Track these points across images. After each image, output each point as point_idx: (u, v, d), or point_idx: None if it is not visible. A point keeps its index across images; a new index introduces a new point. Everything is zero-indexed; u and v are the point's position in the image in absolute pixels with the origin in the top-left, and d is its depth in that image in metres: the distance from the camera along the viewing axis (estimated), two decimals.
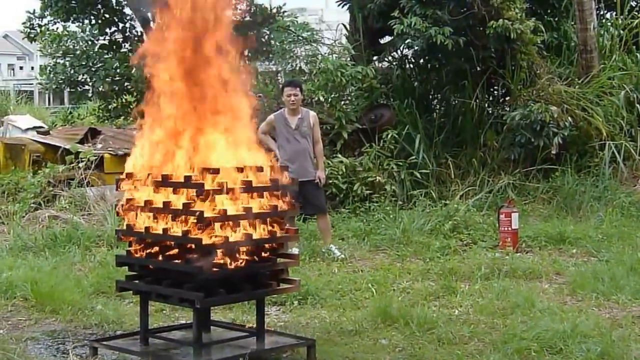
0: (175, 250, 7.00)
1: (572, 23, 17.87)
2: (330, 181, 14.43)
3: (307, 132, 11.83)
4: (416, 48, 16.32)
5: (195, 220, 6.70)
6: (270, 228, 7.11)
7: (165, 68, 7.27)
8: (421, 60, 17.38)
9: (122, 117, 21.01)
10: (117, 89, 20.76)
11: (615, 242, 12.35)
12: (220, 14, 7.30)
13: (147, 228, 7.02)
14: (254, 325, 7.53)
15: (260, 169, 7.12)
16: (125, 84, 20.68)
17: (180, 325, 8.14)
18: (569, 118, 15.59)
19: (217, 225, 6.79)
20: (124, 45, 21.37)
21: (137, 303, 8.63)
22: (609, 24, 18.70)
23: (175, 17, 7.25)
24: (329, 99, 15.99)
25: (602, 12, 19.72)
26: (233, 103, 7.32)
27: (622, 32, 18.09)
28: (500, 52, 16.23)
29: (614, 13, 19.08)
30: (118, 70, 20.21)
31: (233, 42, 7.34)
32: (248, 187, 6.97)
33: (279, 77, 17.27)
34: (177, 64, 7.22)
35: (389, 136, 15.41)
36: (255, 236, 6.97)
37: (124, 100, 21.26)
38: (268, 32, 16.46)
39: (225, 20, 7.33)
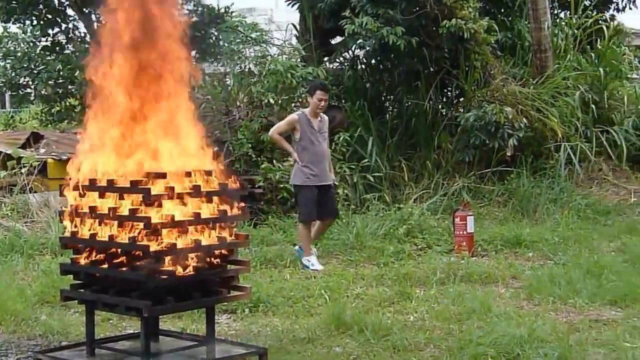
0: (122, 258, 6.74)
1: (526, 22, 17.83)
2: (281, 185, 14.17)
3: (326, 136, 11.73)
4: (368, 48, 16.14)
5: (142, 227, 6.47)
6: (220, 234, 6.87)
7: (109, 70, 7.02)
8: (373, 61, 17.21)
9: (66, 121, 20.54)
10: (60, 92, 20.36)
11: (572, 245, 12.29)
12: (166, 15, 7.05)
13: (92, 235, 6.77)
14: (204, 334, 7.29)
15: (209, 174, 6.88)
16: (69, 86, 20.27)
17: (128, 335, 7.91)
18: (524, 119, 15.47)
19: (165, 231, 6.55)
20: (67, 47, 20.95)
21: (82, 313, 8.36)
22: (563, 23, 18.63)
23: (120, 18, 7.00)
24: (279, 101, 15.71)
25: (556, 12, 19.70)
26: (180, 106, 7.09)
27: (576, 31, 18.03)
28: (454, 52, 16.10)
29: (568, 12, 19.00)
30: (61, 73, 19.83)
31: (180, 44, 7.10)
32: (196, 192, 6.73)
33: (227, 79, 16.96)
34: (123, 66, 6.99)
35: (341, 139, 15.15)
36: (204, 242, 6.73)
37: (67, 104, 20.84)
38: (216, 33, 16.17)
39: (172, 21, 7.09)
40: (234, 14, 17.36)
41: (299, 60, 16.86)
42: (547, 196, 14.73)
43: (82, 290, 7.09)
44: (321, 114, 11.72)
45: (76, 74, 18.56)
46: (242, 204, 7.02)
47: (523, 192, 14.82)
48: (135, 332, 7.81)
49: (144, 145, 6.91)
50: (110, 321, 8.74)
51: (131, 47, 6.97)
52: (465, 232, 11.98)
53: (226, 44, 16.58)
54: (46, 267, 10.92)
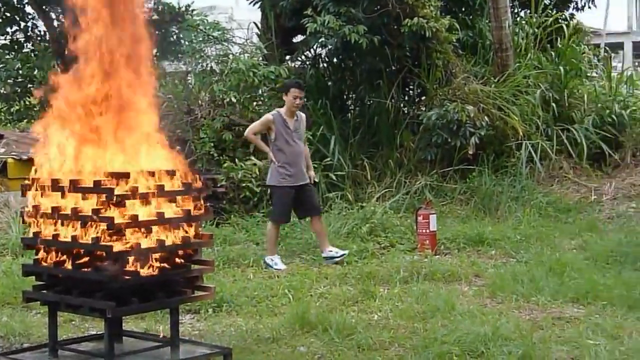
0: (86, 258, 6.67)
1: (487, 21, 17.85)
2: (244, 184, 14.12)
3: (302, 135, 11.68)
4: (330, 47, 16.10)
5: (105, 227, 6.40)
6: (183, 234, 6.82)
7: (70, 68, 7.00)
8: (335, 60, 17.16)
9: (26, 120, 20.32)
10: (19, 90, 20.12)
11: (534, 242, 12.33)
12: (127, 13, 7.00)
13: (55, 236, 6.69)
14: (168, 335, 7.24)
15: (172, 173, 6.83)
16: (28, 85, 19.99)
17: (91, 336, 7.83)
18: (486, 117, 15.49)
19: (128, 231, 6.50)
20: (26, 45, 20.72)
21: (44, 314, 8.32)
22: (524, 22, 18.67)
23: (81, 17, 6.94)
24: (241, 100, 15.66)
25: (516, 10, 19.74)
26: (142, 105, 7.03)
27: (536, 30, 18.07)
28: (416, 50, 16.11)
29: (528, 11, 19.08)
30: (20, 72, 19.60)
31: (141, 42, 7.06)
32: (160, 192, 6.68)
33: (189, 78, 16.88)
34: (83, 65, 6.95)
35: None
36: (168, 242, 6.69)
37: (27, 103, 20.58)
38: (177, 31, 16.07)
39: (133, 19, 7.04)
40: (194, 12, 17.27)
41: (260, 59, 16.80)
42: (508, 194, 14.76)
43: (44, 292, 7.01)
44: (298, 112, 11.68)
45: (35, 73, 18.38)
46: (206, 203, 6.99)
47: (485, 190, 14.85)
48: (98, 333, 7.75)
49: (107, 145, 6.85)
50: (73, 322, 8.67)
51: (93, 46, 6.91)
52: (428, 231, 11.99)
53: (187, 43, 16.49)
54: (7, 268, 10.82)
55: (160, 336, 7.56)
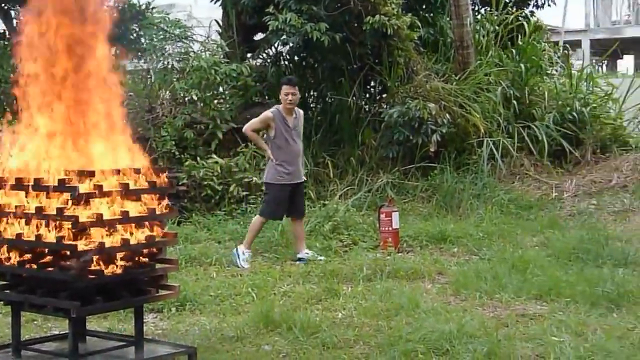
0: (50, 258, 6.55)
1: (448, 19, 17.87)
2: (205, 182, 14.05)
3: (300, 133, 11.61)
4: (291, 45, 16.05)
5: (69, 226, 6.30)
6: (148, 232, 6.74)
7: (33, 67, 6.86)
8: (296, 57, 17.10)
9: None
10: None
11: (496, 240, 12.35)
12: (90, 10, 6.91)
13: (18, 235, 6.56)
14: (131, 334, 7.19)
15: (137, 171, 6.76)
16: None
17: (54, 336, 7.73)
18: (447, 115, 15.51)
19: (93, 230, 6.41)
20: None
21: (5, 314, 8.19)
22: (485, 19, 18.70)
23: (43, 14, 6.85)
24: (203, 98, 15.58)
25: (477, 8, 19.80)
26: (105, 103, 6.94)
27: (497, 27, 18.14)
28: (377, 48, 16.10)
29: (489, 9, 19.13)
30: None
31: (103, 40, 6.97)
32: (125, 190, 6.59)
33: (150, 76, 16.74)
34: (46, 62, 6.84)
35: (265, 136, 15.00)
36: (132, 241, 6.60)
37: None
38: (137, 29, 15.93)
39: (95, 17, 6.94)
40: (155, 10, 17.11)
41: (222, 56, 16.71)
42: (470, 191, 14.79)
43: (7, 291, 6.90)
44: (297, 109, 11.63)
45: None
46: (171, 202, 6.94)
47: (447, 188, 14.86)
48: (62, 333, 7.68)
49: (71, 144, 6.77)
50: (35, 322, 8.57)
51: (54, 44, 6.83)
52: (390, 228, 11.98)
53: (148, 41, 16.35)
54: None
55: (124, 335, 7.48)
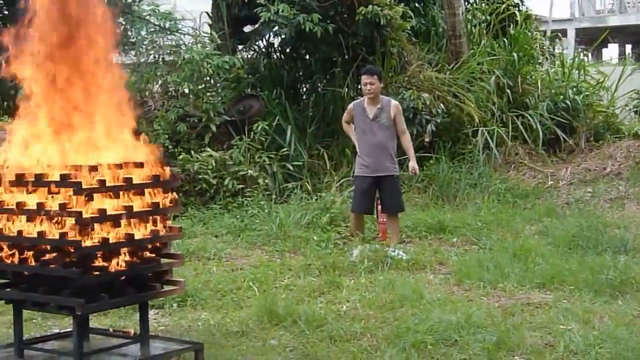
0: (52, 255, 6.42)
1: (440, 9, 17.80)
2: (200, 176, 13.94)
3: (386, 124, 11.30)
4: (284, 36, 15.95)
5: (73, 222, 6.18)
6: (153, 227, 6.65)
7: (32, 63, 6.76)
8: (288, 49, 16.99)
9: None
10: None
11: (495, 229, 12.29)
12: (86, 6, 6.81)
13: (19, 232, 6.44)
14: (133, 331, 7.11)
15: (140, 165, 6.65)
16: None
17: (56, 334, 7.59)
18: (441, 105, 15.47)
19: (96, 226, 6.28)
20: None
21: (4, 313, 8.09)
22: (475, 9, 18.64)
23: (39, 10, 6.73)
24: (195, 91, 15.46)
25: None
26: (106, 96, 6.85)
27: (489, 17, 18.09)
28: (370, 39, 16.01)
29: None
30: None
31: (101, 33, 6.86)
32: (128, 185, 6.49)
33: (140, 69, 16.57)
34: (44, 58, 6.73)
35: (259, 128, 14.95)
36: (137, 236, 6.49)
37: None
38: (124, 23, 15.77)
39: (93, 12, 6.84)
40: (142, 3, 16.98)
41: (213, 49, 16.58)
42: (466, 181, 14.75)
43: (9, 290, 6.77)
44: (387, 100, 11.46)
45: None
46: (175, 195, 6.85)
47: (443, 178, 14.79)
48: (63, 331, 7.56)
49: (72, 138, 6.67)
50: (34, 321, 8.42)
51: (52, 40, 6.73)
52: None
53: (139, 34, 16.22)
54: None
55: (130, 333, 7.38)
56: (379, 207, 11.84)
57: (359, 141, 11.32)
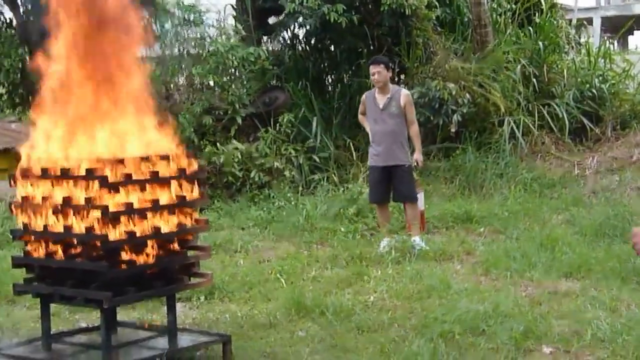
0: (79, 249, 6.47)
1: None
2: (227, 169, 13.96)
3: (395, 113, 11.17)
4: (308, 27, 15.93)
5: (99, 216, 6.20)
6: (179, 220, 6.67)
7: (56, 57, 6.77)
8: (313, 40, 16.97)
9: None
10: None
11: (522, 218, 12.29)
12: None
13: (46, 226, 6.46)
14: (161, 324, 7.19)
15: (166, 158, 6.66)
16: None
17: (84, 328, 7.64)
18: (467, 95, 15.41)
19: (123, 219, 6.31)
20: None
21: (31, 308, 8.14)
22: None
23: (64, 5, 6.76)
24: (220, 83, 15.48)
25: None
26: (130, 89, 6.89)
27: (514, 6, 18.01)
28: (395, 29, 15.98)
29: None
30: None
31: (126, 26, 6.88)
32: (154, 178, 6.52)
33: (165, 62, 16.59)
34: (69, 52, 6.75)
35: (285, 119, 14.97)
36: (164, 229, 6.52)
37: None
38: (148, 16, 15.77)
39: (118, 4, 6.85)
40: None
41: (238, 40, 16.59)
42: (493, 171, 14.69)
43: (36, 284, 6.82)
44: (397, 89, 11.37)
45: (3, 62, 17.98)
46: (202, 188, 6.88)
47: (469, 168, 14.76)
48: (91, 325, 7.60)
49: (97, 132, 6.67)
50: (60, 315, 8.42)
51: (78, 33, 6.75)
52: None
53: (164, 27, 16.24)
54: None
55: (157, 325, 7.43)
56: None
57: (371, 131, 11.31)
